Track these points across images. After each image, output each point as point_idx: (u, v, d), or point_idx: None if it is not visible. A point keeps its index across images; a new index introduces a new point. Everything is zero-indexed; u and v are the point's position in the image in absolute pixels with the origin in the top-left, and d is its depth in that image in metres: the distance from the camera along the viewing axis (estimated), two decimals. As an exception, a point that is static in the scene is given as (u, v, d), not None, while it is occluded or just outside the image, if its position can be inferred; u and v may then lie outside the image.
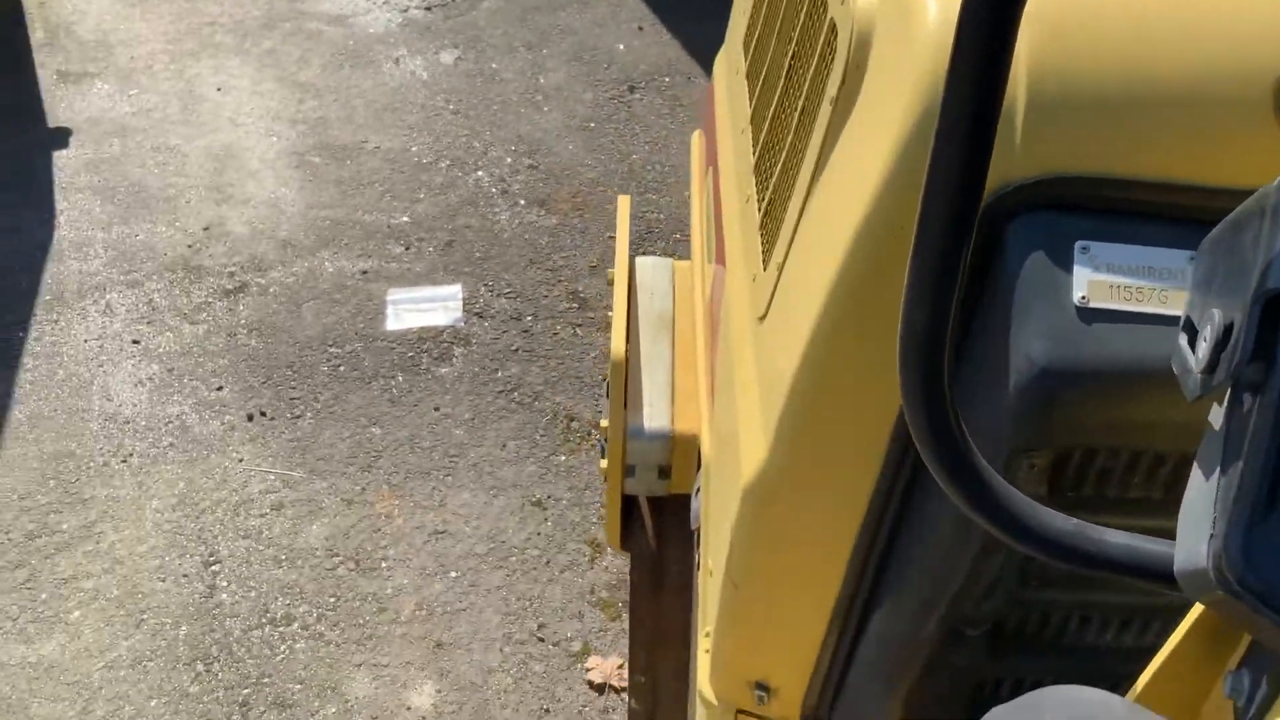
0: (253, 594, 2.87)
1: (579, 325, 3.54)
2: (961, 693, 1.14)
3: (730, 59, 1.82)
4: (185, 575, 2.91)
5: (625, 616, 2.83)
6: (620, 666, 2.72)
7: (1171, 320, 0.84)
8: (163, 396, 3.32)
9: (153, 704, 2.66)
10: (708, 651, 1.39)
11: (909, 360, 0.72)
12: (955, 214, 0.67)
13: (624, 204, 2.14)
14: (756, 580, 1.22)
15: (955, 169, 0.66)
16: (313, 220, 3.87)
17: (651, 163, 4.07)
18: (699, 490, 1.60)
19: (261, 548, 2.97)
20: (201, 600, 2.86)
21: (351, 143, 4.16)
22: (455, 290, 3.64)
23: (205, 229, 3.83)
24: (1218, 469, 0.58)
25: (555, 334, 3.52)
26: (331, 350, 3.46)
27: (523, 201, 3.94)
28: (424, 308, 3.59)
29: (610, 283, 1.94)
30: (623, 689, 2.70)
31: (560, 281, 3.68)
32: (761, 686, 1.32)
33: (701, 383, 1.69)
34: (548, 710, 2.66)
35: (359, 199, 3.95)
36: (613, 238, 3.79)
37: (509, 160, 4.09)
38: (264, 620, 2.82)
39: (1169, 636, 0.96)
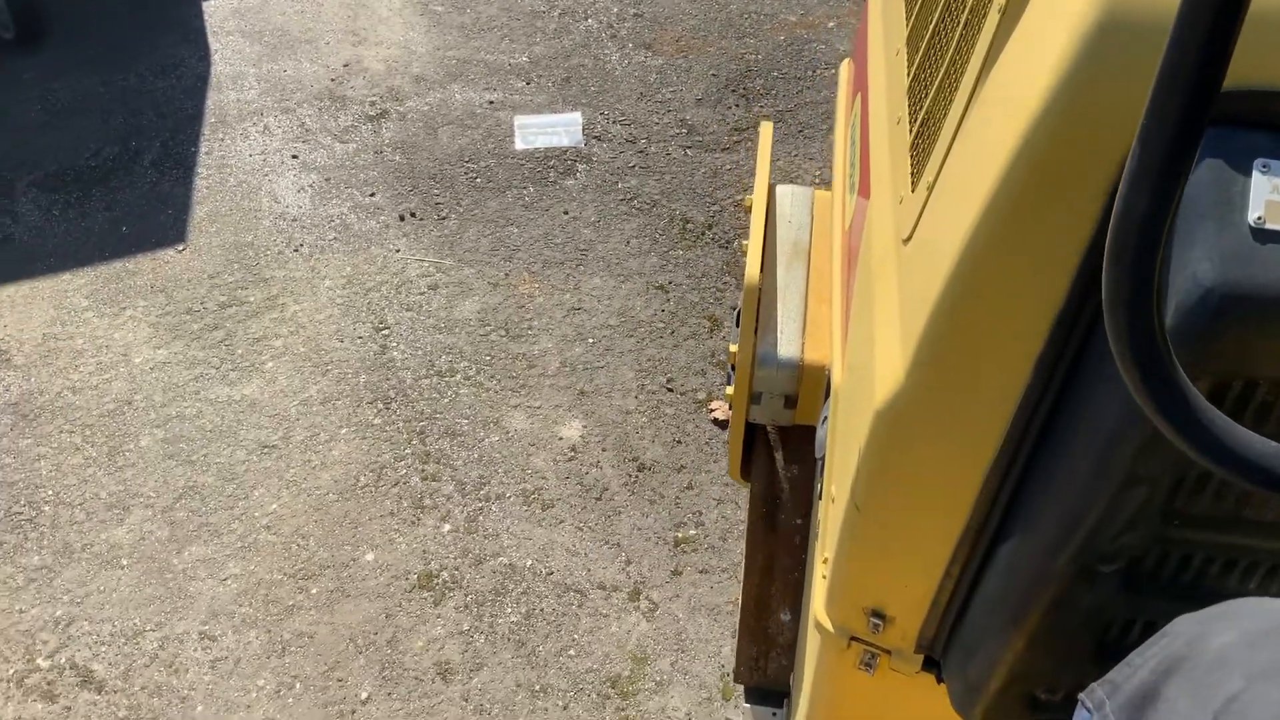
0: (419, 352, 3.32)
1: (688, 147, 3.94)
2: (1090, 632, 1.10)
3: None
4: (360, 337, 3.36)
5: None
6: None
7: None
8: (323, 200, 3.76)
9: (343, 431, 3.12)
10: (825, 578, 1.38)
11: (1120, 251, 0.67)
12: (1195, 89, 0.62)
13: (766, 131, 2.11)
14: (881, 504, 1.19)
15: (1201, 33, 0.61)
16: (440, 59, 4.27)
17: (747, 12, 4.44)
18: (825, 419, 1.59)
19: (423, 318, 3.41)
20: (376, 356, 3.31)
21: (470, -5, 4.54)
22: (576, 117, 4.05)
23: (345, 66, 4.25)
24: None
25: (668, 154, 3.92)
26: (468, 165, 3.88)
27: (630, 45, 4.32)
28: (548, 131, 4.00)
29: (747, 209, 1.93)
30: (744, 425, 3.13)
31: (669, 111, 4.07)
32: (877, 614, 1.29)
33: (836, 313, 1.67)
34: (679, 441, 3.10)
35: (480, 41, 4.35)
36: (715, 75, 4.18)
37: (615, 9, 4.47)
38: (431, 372, 3.27)
39: None
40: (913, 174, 1.23)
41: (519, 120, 4.04)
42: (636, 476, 3.03)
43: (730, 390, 1.82)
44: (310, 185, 3.81)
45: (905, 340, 1.08)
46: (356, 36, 4.36)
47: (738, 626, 2.11)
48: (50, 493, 2.97)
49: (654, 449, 3.08)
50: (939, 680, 1.31)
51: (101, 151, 3.89)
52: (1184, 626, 0.68)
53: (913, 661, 1.31)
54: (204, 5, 4.48)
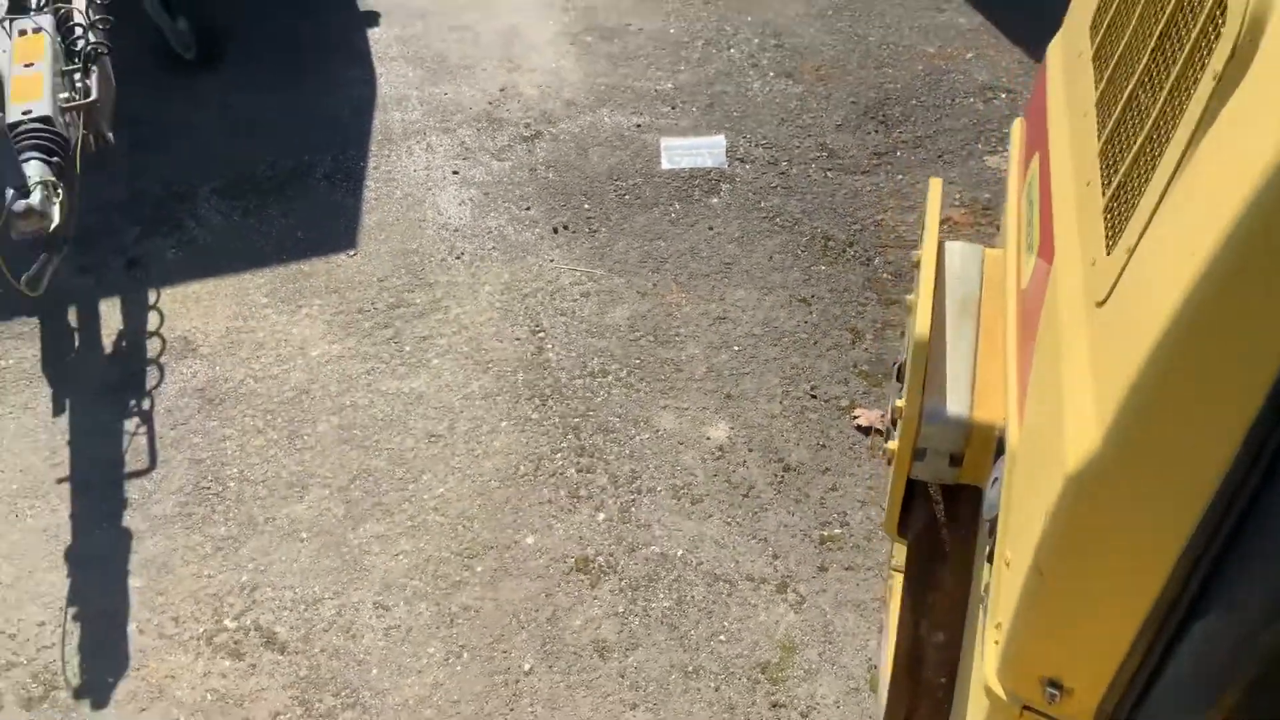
0: (573, 354, 3.49)
1: (829, 170, 4.07)
2: None
3: (1070, 44, 1.81)
4: (518, 339, 3.54)
5: (887, 385, 3.35)
6: (883, 415, 3.25)
7: None
8: (482, 212, 3.98)
9: (504, 424, 3.30)
10: (997, 643, 1.34)
11: None
12: None
13: (935, 187, 2.09)
14: (1068, 571, 1.16)
15: None
16: (590, 85, 4.49)
17: (886, 43, 4.57)
18: (995, 480, 1.57)
19: (576, 323, 3.59)
20: (533, 356, 3.49)
21: (617, 25, 4.77)
22: (719, 139, 4.21)
23: (501, 90, 4.49)
24: None
25: (809, 175, 4.05)
26: (617, 183, 4.07)
27: (771, 73, 4.49)
28: (693, 152, 4.18)
29: (916, 264, 1.94)
30: (885, 431, 3.22)
31: (810, 136, 4.21)
32: (1054, 684, 1.25)
33: (1010, 372, 1.65)
34: (823, 445, 3.20)
35: (627, 69, 4.56)
36: (854, 102, 4.31)
37: (756, 40, 4.64)
38: (584, 372, 3.44)
39: None
40: (1108, 237, 1.22)
41: (665, 142, 4.22)
42: (782, 476, 3.13)
43: (892, 444, 1.81)
44: (470, 199, 4.03)
45: (1101, 404, 1.06)
46: (511, 63, 4.61)
47: (888, 683, 2.10)
48: (235, 470, 3.19)
49: (799, 451, 3.19)
50: None
51: (277, 164, 4.18)
52: None
53: None
54: (369, 32, 4.79)
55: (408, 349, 3.53)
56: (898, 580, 2.34)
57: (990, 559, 1.52)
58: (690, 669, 2.73)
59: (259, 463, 3.21)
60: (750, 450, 3.21)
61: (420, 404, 3.36)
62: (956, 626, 1.97)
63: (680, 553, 2.97)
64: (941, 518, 1.92)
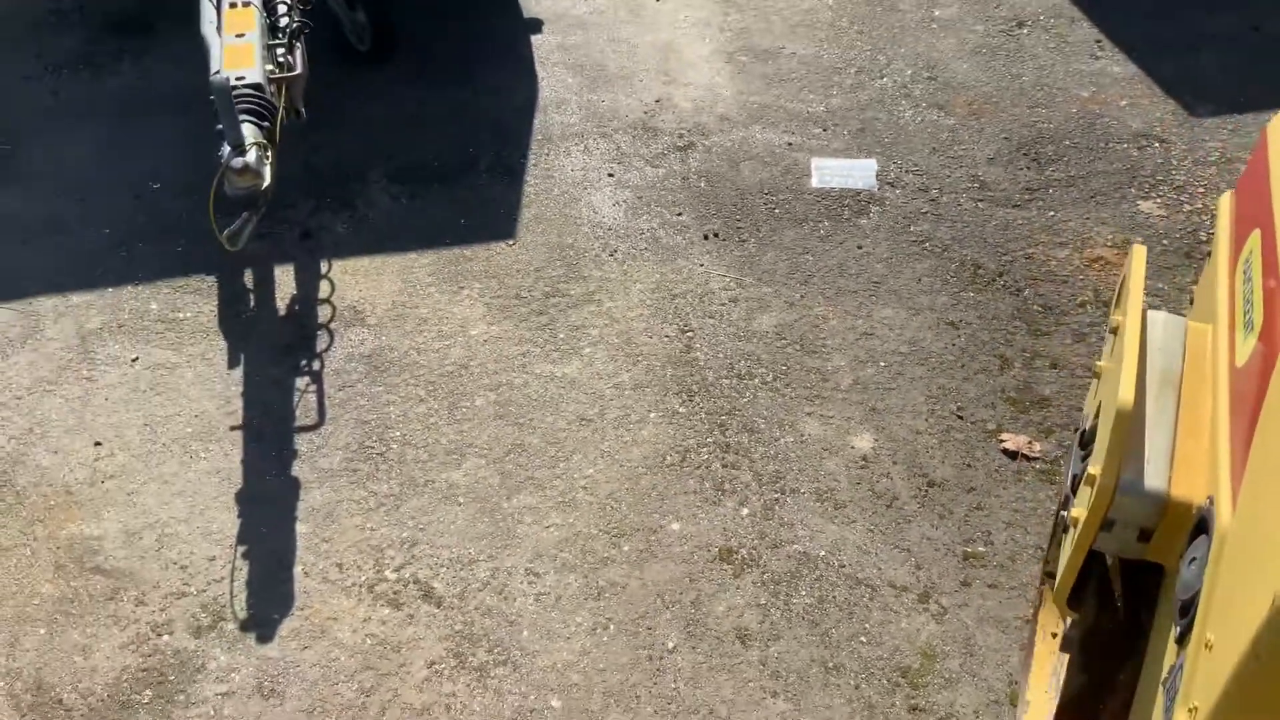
0: (720, 355, 3.58)
1: (979, 201, 4.12)
2: None
3: None
4: (667, 336, 3.65)
5: (1034, 411, 3.38)
6: (1030, 441, 3.28)
7: None
8: (636, 214, 4.11)
9: (651, 415, 3.40)
10: None
11: None
12: None
13: (1139, 254, 2.07)
14: None
15: None
16: (743, 103, 4.61)
17: (1040, 84, 4.62)
18: (1194, 560, 1.55)
19: (724, 326, 3.68)
20: (681, 353, 3.59)
21: (771, 48, 4.89)
22: (871, 163, 4.30)
23: (656, 101, 4.63)
24: None
25: (959, 204, 4.11)
26: (767, 197, 4.17)
27: (923, 103, 4.56)
28: (843, 174, 4.26)
29: (1114, 330, 1.91)
30: (1034, 458, 3.25)
31: (961, 166, 4.27)
32: None
33: (1220, 450, 1.62)
34: (968, 465, 3.24)
35: (780, 90, 4.67)
36: (1007, 139, 4.36)
37: (909, 72, 4.72)
38: (731, 374, 3.52)
39: None
40: None
41: (816, 161, 4.32)
42: (926, 491, 3.18)
43: (1077, 512, 1.76)
44: (624, 201, 4.16)
45: None
46: (667, 77, 4.75)
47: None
48: (398, 434, 3.34)
49: (943, 469, 3.23)
50: None
51: (442, 155, 4.36)
52: None
53: None
54: (533, 38, 4.97)
55: (561, 336, 3.65)
56: (1048, 605, 2.34)
57: (1180, 641, 1.50)
58: (831, 665, 2.79)
59: (420, 429, 3.35)
60: (895, 463, 3.26)
61: (572, 389, 3.48)
62: (1125, 703, 1.92)
63: (823, 553, 3.03)
64: (1119, 593, 1.90)
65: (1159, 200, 4.07)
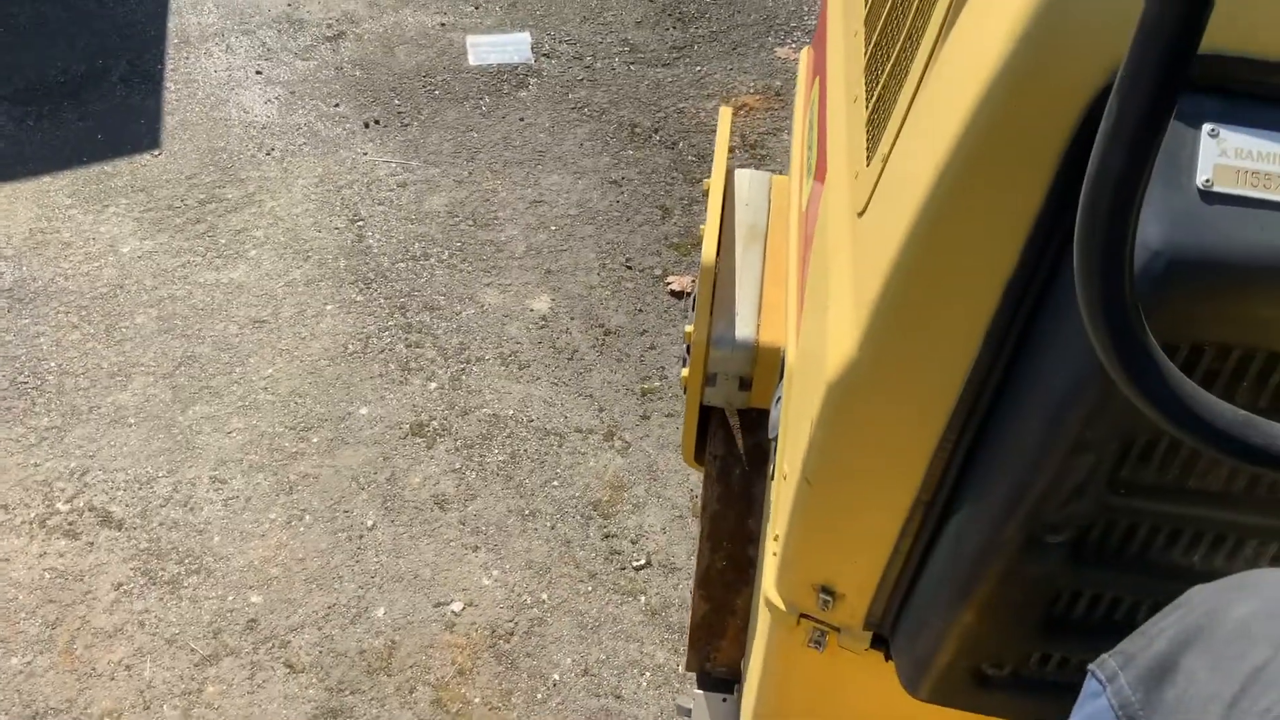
0: (394, 240, 3.57)
1: (631, 63, 4.25)
2: (1036, 604, 1.10)
3: None
4: (337, 228, 3.59)
5: (696, 253, 3.58)
6: (694, 280, 3.48)
7: None
8: (290, 110, 3.98)
9: (329, 308, 3.36)
10: (775, 555, 1.36)
11: (1094, 211, 0.66)
12: (1172, 46, 0.61)
13: (725, 116, 2.10)
14: (831, 477, 1.18)
15: None
16: (392, -13, 4.51)
17: (679, -55, 4.76)
18: (779, 400, 1.56)
19: (394, 211, 3.66)
20: (353, 244, 3.55)
21: (416, -70, 4.79)
22: (524, 36, 4.33)
23: (300, -7, 4.45)
24: None
25: (613, 69, 4.22)
26: (425, 79, 4.14)
27: (571, -26, 4.62)
28: (499, 49, 4.28)
29: (706, 193, 1.94)
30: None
31: (612, 32, 4.37)
32: (827, 590, 1.27)
33: (791, 295, 1.65)
34: (640, 310, 3.41)
35: (429, -28, 4.59)
36: (652, 2, 4.50)
37: (555, -56, 4.75)
38: (406, 256, 3.52)
39: (1258, 561, 0.97)
40: (868, 148, 1.22)
41: (471, 39, 4.30)
42: (604, 340, 3.33)
43: (685, 372, 1.80)
44: (276, 98, 4.01)
45: (858, 310, 1.07)
46: (309, -34, 4.56)
47: (690, 615, 2.15)
48: (54, 364, 3.14)
49: (618, 316, 3.39)
50: (887, 658, 1.31)
51: (69, 69, 4.03)
52: (1201, 598, 0.66)
53: (861, 639, 1.31)
54: (155, -62, 4.63)
55: (223, 242, 3.52)
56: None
57: (773, 477, 1.53)
58: (527, 512, 2.91)
59: (78, 356, 3.17)
60: (572, 319, 3.38)
61: (241, 293, 3.38)
62: (752, 554, 1.98)
63: (511, 412, 3.13)
64: (738, 440, 1.91)
65: (794, 45, 4.33)
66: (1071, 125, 0.85)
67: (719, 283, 1.79)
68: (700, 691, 2.24)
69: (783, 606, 1.33)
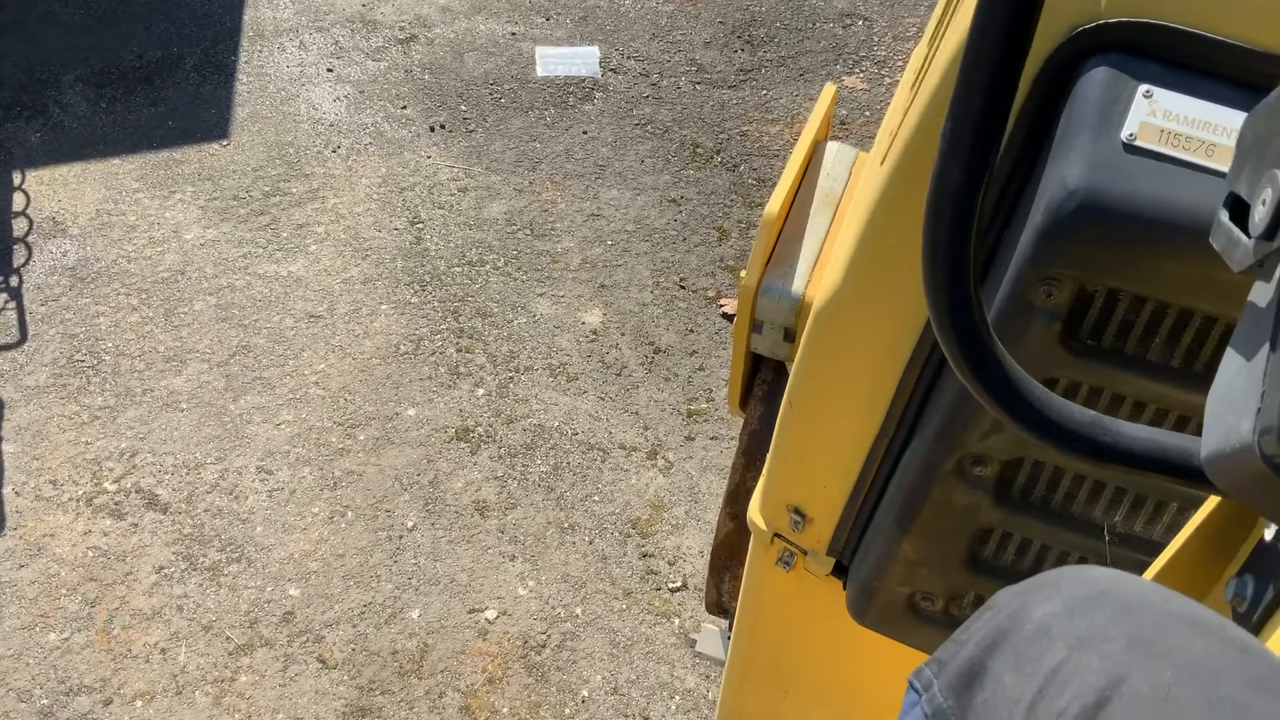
0: (452, 244, 3.59)
1: (697, 83, 4.26)
2: (963, 539, 1.17)
3: None
4: (396, 229, 3.62)
5: (748, 276, 3.57)
6: (748, 305, 3.47)
7: (1211, 172, 0.86)
8: (359, 109, 4.02)
9: (383, 307, 3.38)
10: (764, 476, 1.43)
11: (936, 223, 0.67)
12: (999, 66, 0.62)
13: (829, 91, 2.14)
14: (809, 400, 1.24)
15: (1004, 12, 0.61)
16: (465, -6, 4.55)
17: (752, -32, 4.77)
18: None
19: (454, 215, 3.68)
20: (411, 245, 3.57)
21: (492, -62, 4.83)
22: (593, 50, 4.35)
23: (375, -6, 4.51)
24: (1266, 345, 0.56)
25: (678, 88, 4.23)
26: (493, 87, 4.17)
27: (643, -9, 4.64)
28: (567, 61, 4.30)
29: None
30: (751, 319, 3.44)
31: (680, 51, 4.38)
32: (799, 512, 1.33)
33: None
34: (691, 330, 3.41)
35: (503, -19, 4.63)
36: (722, 23, 4.50)
37: (629, -40, 4.78)
38: (463, 261, 3.54)
39: (1180, 525, 0.99)
40: (903, 114, 1.36)
41: (540, 50, 4.33)
42: (653, 358, 3.33)
43: (732, 310, 1.92)
44: (345, 96, 4.06)
45: (847, 246, 1.15)
46: (385, -32, 4.62)
47: (710, 552, 2.17)
48: (110, 345, 3.19)
49: (668, 335, 3.39)
50: (845, 588, 1.36)
51: (145, 54, 4.11)
52: (1006, 599, 0.66)
53: (824, 564, 1.37)
54: (238, -68, 4.71)
55: (285, 235, 3.56)
56: None
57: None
58: (566, 525, 2.91)
59: (135, 338, 3.21)
60: (623, 334, 3.38)
61: (299, 287, 3.41)
62: None
63: (557, 424, 3.13)
64: (778, 393, 1.91)
65: (862, 75, 4.31)
66: (1029, 80, 0.89)
67: (784, 236, 1.84)
68: (711, 623, 2.25)
69: (762, 525, 1.40)
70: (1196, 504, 0.82)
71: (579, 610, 2.73)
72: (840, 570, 1.37)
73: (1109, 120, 0.87)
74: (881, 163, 1.24)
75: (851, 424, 1.21)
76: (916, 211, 0.97)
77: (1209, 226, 0.61)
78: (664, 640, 2.70)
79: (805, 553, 1.38)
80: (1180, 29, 0.87)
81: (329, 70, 4.15)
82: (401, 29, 4.36)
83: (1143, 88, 0.87)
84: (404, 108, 4.04)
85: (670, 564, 2.85)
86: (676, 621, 2.73)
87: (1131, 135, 0.87)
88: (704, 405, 3.21)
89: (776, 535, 1.39)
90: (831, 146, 2.09)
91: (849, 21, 4.55)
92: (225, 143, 3.83)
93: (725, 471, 3.05)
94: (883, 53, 4.41)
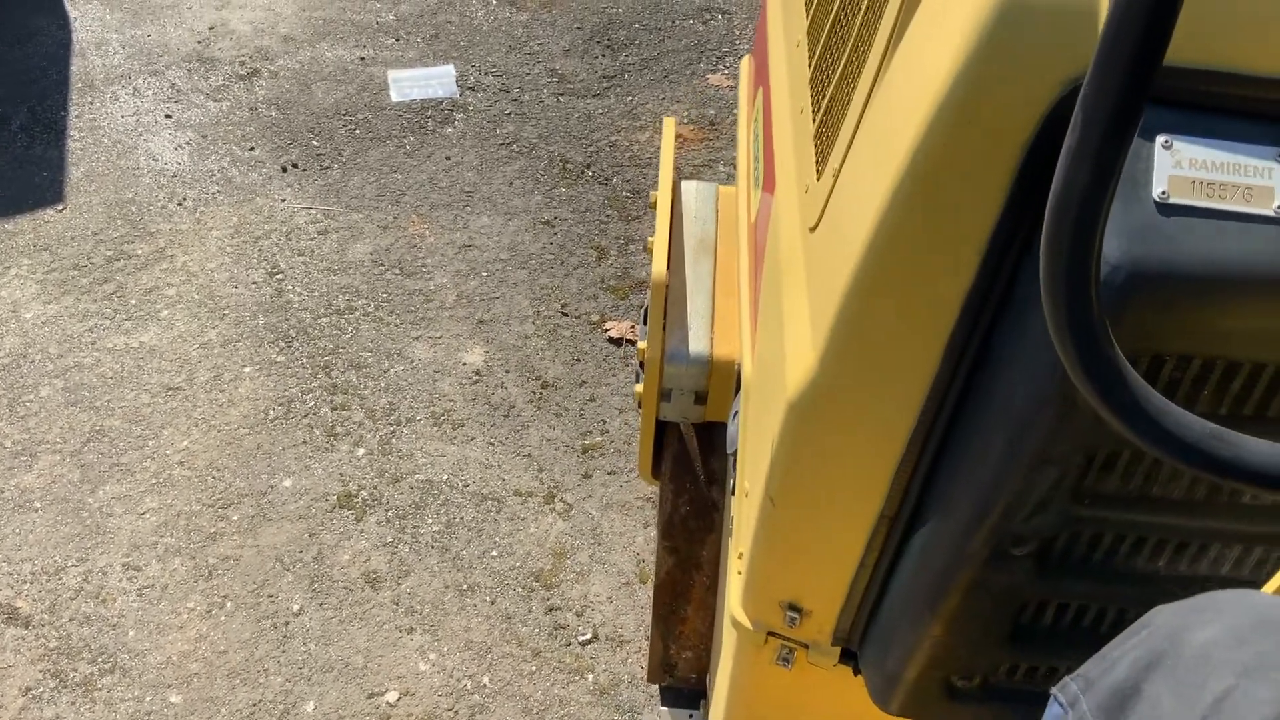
0: (316, 293, 3.39)
1: (560, 94, 4.11)
2: (1003, 616, 1.09)
3: None
4: (254, 282, 3.41)
5: (634, 297, 3.45)
6: (633, 326, 3.35)
7: (1255, 219, 0.80)
8: (202, 156, 3.78)
9: (247, 370, 3.17)
10: (740, 573, 1.35)
11: (1059, 226, 0.64)
12: (1137, 62, 0.60)
13: (669, 127, 2.09)
14: (795, 496, 1.17)
15: (1146, 6, 0.58)
16: (307, 19, 4.32)
17: (605, -32, 4.63)
18: (736, 414, 1.54)
19: (316, 261, 3.48)
20: (272, 299, 3.37)
21: (332, -42, 4.60)
22: (449, 69, 4.16)
23: (210, 29, 4.25)
24: None
25: (541, 101, 4.08)
26: (345, 118, 3.96)
27: (494, 2, 4.46)
28: (422, 83, 4.11)
29: (653, 205, 1.90)
30: (637, 341, 3.33)
31: (539, 62, 4.23)
32: (794, 608, 1.27)
33: (744, 307, 1.63)
34: (578, 359, 3.28)
35: (345, 2, 4.41)
36: (580, 29, 4.36)
37: (478, -30, 4.59)
38: (330, 310, 3.35)
39: (1220, 565, 0.98)
40: (818, 162, 1.21)
41: (392, 74, 4.13)
42: (541, 393, 3.19)
43: (639, 388, 1.79)
44: (187, 142, 3.81)
45: (815, 328, 1.06)
46: (219, 0, 4.36)
47: (650, 627, 2.07)
48: (-51, 446, 2.93)
49: (555, 367, 3.25)
50: (856, 672, 1.30)
51: (-38, 118, 3.80)
52: (1163, 619, 0.65)
53: (830, 654, 1.31)
54: (55, -27, 4.40)
55: (133, 302, 3.32)
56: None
57: (734, 492, 1.52)
58: (465, 587, 2.76)
59: (-25, 436, 2.96)
60: (507, 371, 3.23)
61: (153, 357, 3.18)
62: (714, 566, 1.95)
63: (445, 477, 2.97)
64: (695, 454, 1.90)
65: (726, 72, 4.22)
66: (1026, 140, 0.84)
67: (670, 297, 1.78)
68: (665, 708, 2.15)
69: (749, 625, 1.32)
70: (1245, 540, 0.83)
71: (486, 679, 2.59)
72: (849, 654, 1.31)
73: (1133, 180, 0.81)
74: (813, 229, 1.17)
75: (847, 513, 1.15)
76: (906, 285, 0.95)
77: (1267, 274, 0.62)
78: (579, 699, 2.57)
79: (806, 646, 1.31)
80: (1185, 67, 0.82)
81: (167, 116, 3.90)
82: (242, 64, 4.12)
83: (1160, 139, 0.82)
84: (252, 149, 3.82)
85: (578, 615, 2.72)
86: (590, 677, 2.61)
87: (1164, 193, 0.81)
88: (599, 439, 3.09)
89: (771, 634, 1.32)
90: (689, 187, 2.06)
91: (708, 16, 4.45)
92: (61, 207, 3.56)
93: (627, 508, 2.93)
94: (745, 46, 4.31)
